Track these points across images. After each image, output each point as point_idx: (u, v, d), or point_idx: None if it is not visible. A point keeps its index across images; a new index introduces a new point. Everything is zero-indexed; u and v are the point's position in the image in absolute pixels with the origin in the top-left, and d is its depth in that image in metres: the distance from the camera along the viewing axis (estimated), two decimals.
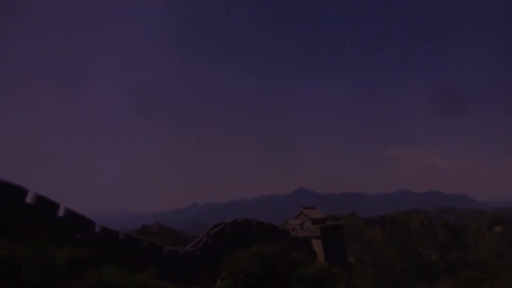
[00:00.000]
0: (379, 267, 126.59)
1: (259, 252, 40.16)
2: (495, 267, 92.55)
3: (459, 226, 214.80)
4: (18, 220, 26.52)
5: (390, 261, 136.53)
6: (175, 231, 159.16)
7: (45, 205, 29.91)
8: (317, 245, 71.33)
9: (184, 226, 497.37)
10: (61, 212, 31.31)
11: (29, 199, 28.36)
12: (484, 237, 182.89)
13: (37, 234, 24.65)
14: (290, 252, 43.73)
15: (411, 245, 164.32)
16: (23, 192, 27.93)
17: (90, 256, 22.75)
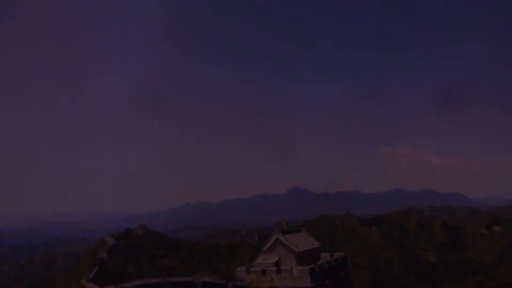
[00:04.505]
0: (375, 270, 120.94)
1: None
2: (503, 274, 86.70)
3: (455, 225, 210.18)
4: None
5: (387, 263, 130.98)
6: (160, 234, 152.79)
7: None
8: None
9: (176, 227, 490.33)
10: None
11: None
12: (483, 236, 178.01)
13: None
14: None
15: (408, 245, 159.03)
16: None
17: None
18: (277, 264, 44.38)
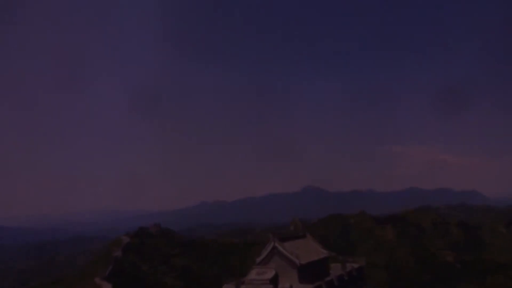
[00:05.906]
0: (391, 269, 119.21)
1: None
2: None
3: (472, 223, 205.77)
4: None
5: (402, 262, 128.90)
6: (174, 233, 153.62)
7: None
8: None
9: (192, 225, 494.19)
10: None
11: None
12: (501, 235, 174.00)
13: None
14: None
15: (424, 244, 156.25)
16: None
17: None
18: (274, 280, 33.22)
